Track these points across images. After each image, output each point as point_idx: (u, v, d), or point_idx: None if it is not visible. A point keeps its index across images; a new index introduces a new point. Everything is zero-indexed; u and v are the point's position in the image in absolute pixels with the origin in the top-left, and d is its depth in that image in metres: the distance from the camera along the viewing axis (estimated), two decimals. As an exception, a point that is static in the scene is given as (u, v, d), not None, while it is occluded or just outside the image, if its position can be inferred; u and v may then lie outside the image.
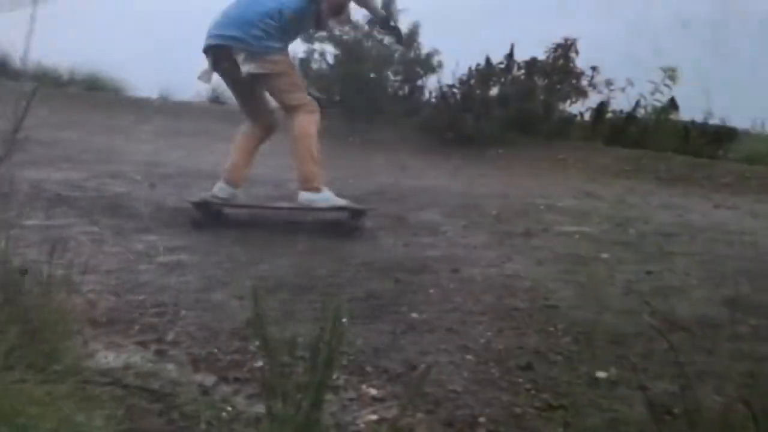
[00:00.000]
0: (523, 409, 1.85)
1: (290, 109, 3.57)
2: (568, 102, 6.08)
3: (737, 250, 3.39)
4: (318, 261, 3.05)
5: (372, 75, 6.46)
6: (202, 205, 3.62)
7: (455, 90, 6.27)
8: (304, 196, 3.54)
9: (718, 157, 5.54)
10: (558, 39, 6.16)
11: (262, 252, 3.16)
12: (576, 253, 3.27)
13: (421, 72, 6.64)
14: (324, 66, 6.75)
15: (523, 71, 6.17)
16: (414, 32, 6.67)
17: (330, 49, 6.70)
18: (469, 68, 6.35)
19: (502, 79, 6.31)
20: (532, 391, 1.96)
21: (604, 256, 3.25)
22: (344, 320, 2.39)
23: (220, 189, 3.65)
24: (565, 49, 6.13)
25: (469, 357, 2.16)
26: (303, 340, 1.73)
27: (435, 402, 1.87)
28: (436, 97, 6.38)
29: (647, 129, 5.90)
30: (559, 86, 6.10)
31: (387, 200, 4.34)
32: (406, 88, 6.85)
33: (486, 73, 6.27)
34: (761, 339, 2.34)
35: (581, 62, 6.10)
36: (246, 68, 3.44)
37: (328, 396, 1.87)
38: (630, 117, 6.06)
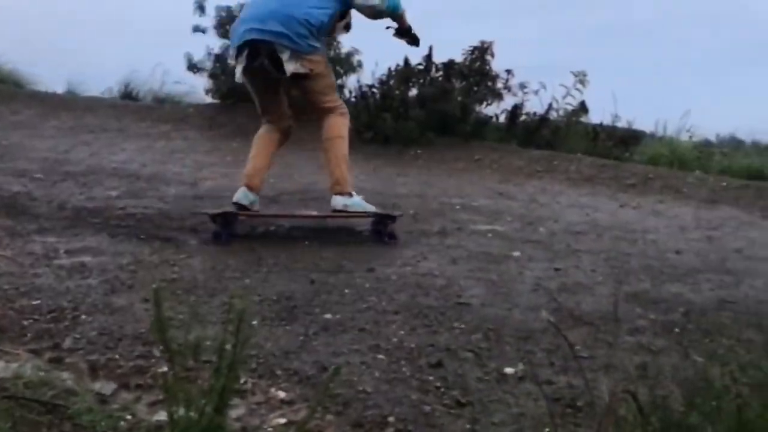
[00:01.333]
0: (432, 407, 1.86)
1: (324, 111, 3.51)
2: (485, 104, 6.21)
3: (640, 247, 3.55)
4: (231, 262, 2.97)
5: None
6: (220, 216, 3.36)
7: (375, 90, 6.29)
8: (339, 201, 3.45)
9: (624, 159, 5.80)
10: (475, 42, 6.30)
11: (174, 253, 3.06)
12: (488, 251, 3.34)
13: (341, 71, 6.62)
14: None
15: (441, 73, 6.26)
16: (334, 31, 6.64)
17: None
18: (389, 68, 6.39)
19: (421, 80, 6.38)
20: (442, 389, 1.97)
21: (516, 254, 3.33)
22: (254, 322, 2.37)
23: (243, 195, 3.46)
24: (482, 52, 6.26)
25: (380, 356, 2.15)
26: (210, 343, 1.67)
27: (344, 403, 1.86)
28: (355, 97, 6.38)
29: (559, 131, 6.11)
30: (475, 88, 6.22)
31: (306, 200, 4.30)
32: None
33: (405, 73, 6.32)
34: (658, 332, 2.45)
35: (497, 65, 6.26)
36: (291, 67, 3.28)
37: (235, 400, 1.83)
38: (543, 119, 6.26)
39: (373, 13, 3.48)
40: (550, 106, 6.36)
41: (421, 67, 6.42)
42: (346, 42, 6.67)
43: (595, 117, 6.51)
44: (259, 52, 3.30)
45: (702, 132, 6.52)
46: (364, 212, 3.49)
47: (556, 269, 3.10)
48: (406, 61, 6.30)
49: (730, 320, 2.57)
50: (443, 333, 2.36)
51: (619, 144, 6.06)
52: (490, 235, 3.66)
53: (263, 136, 3.58)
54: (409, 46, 3.79)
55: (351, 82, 6.65)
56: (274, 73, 3.33)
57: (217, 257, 3.05)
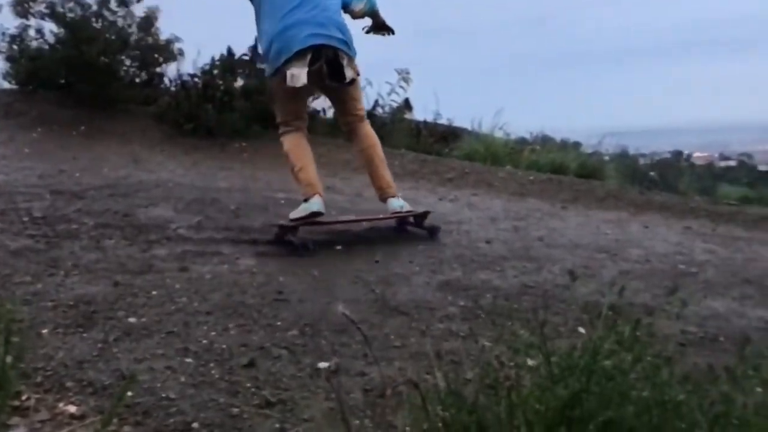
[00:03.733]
0: (240, 409, 1.79)
1: (358, 118, 3.59)
2: (312, 98, 6.18)
3: (454, 237, 3.71)
4: (21, 266, 2.66)
5: (103, 59, 5.90)
6: (286, 228, 3.30)
7: (197, 80, 6.01)
8: (395, 203, 3.54)
9: (444, 155, 6.08)
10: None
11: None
12: (312, 245, 3.31)
13: (160, 59, 6.25)
14: (43, 45, 6.01)
15: (266, 64, 6.13)
16: (152, 17, 6.26)
17: (50, 27, 5.99)
18: (212, 58, 6.15)
19: (247, 71, 6.21)
20: (252, 389, 1.91)
21: (338, 247, 3.34)
22: (44, 331, 2.13)
23: (318, 203, 3.35)
24: (309, 46, 6.22)
25: (188, 360, 2.04)
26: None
27: (144, 412, 1.73)
28: (175, 87, 6.06)
29: (384, 127, 6.25)
30: (303, 82, 6.17)
31: (116, 195, 3.99)
32: (144, 75, 6.41)
33: (229, 64, 6.11)
34: (467, 318, 2.57)
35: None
36: (349, 73, 3.36)
37: (14, 419, 1.63)
38: (369, 115, 6.36)
39: (361, 14, 3.65)
40: (376, 103, 6.50)
41: (246, 57, 6.25)
42: (165, 28, 6.32)
43: (418, 114, 6.77)
44: (319, 58, 3.31)
45: (517, 130, 7.03)
46: (409, 211, 3.61)
47: (376, 261, 3.15)
48: (230, 51, 6.10)
49: (530, 303, 2.76)
50: (258, 331, 2.29)
51: (440, 140, 6.34)
52: (317, 230, 3.63)
53: (302, 145, 3.51)
54: (381, 36, 3.87)
55: (170, 71, 6.32)
56: (328, 79, 3.36)
57: (4, 261, 2.71)
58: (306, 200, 3.38)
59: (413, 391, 1.28)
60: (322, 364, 2.10)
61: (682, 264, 3.44)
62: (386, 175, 3.60)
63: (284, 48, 3.32)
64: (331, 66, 3.35)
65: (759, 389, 1.23)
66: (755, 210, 5.00)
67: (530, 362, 1.28)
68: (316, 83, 3.41)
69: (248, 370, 2.02)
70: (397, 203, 3.57)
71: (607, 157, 8.85)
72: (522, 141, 7.63)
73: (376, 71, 6.64)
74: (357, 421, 1.83)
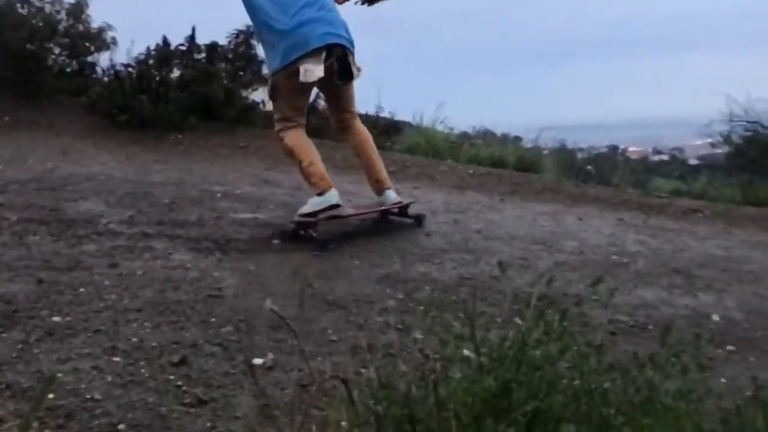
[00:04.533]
0: (169, 409, 1.73)
1: (353, 115, 3.72)
2: (251, 89, 6.08)
3: (395, 231, 3.70)
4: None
5: (29, 46, 5.64)
6: (304, 224, 3.36)
7: (131, 70, 5.82)
8: (392, 195, 3.70)
9: (386, 148, 6.07)
10: (241, 26, 6.13)
11: None
12: (248, 240, 3.25)
13: (91, 48, 6.02)
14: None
15: (204, 55, 5.99)
16: (82, 3, 6.02)
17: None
18: (148, 48, 5.97)
19: (184, 62, 6.06)
20: (183, 388, 1.85)
21: (275, 242, 3.28)
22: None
23: (336, 196, 3.41)
24: (247, 36, 6.11)
25: (116, 359, 1.96)
26: None
27: (67, 414, 1.65)
28: (108, 77, 5.85)
29: (326, 120, 6.19)
30: (241, 73, 6.06)
31: (42, 189, 3.82)
32: (74, 65, 6.16)
33: (165, 54, 5.94)
34: (405, 311, 2.57)
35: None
36: (356, 72, 3.49)
37: None
38: (312, 108, 6.30)
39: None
40: (317, 95, 6.42)
41: (183, 48, 6.09)
42: (96, 16, 6.09)
43: (360, 107, 6.73)
44: (330, 55, 3.39)
45: (460, 124, 7.09)
46: (399, 202, 3.77)
47: (315, 255, 3.12)
48: (165, 41, 5.93)
49: (467, 295, 2.78)
50: (191, 328, 2.23)
51: (381, 134, 6.32)
52: (251, 223, 3.57)
53: (306, 140, 3.56)
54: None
55: (103, 60, 6.10)
56: (337, 77, 3.45)
57: None
58: (321, 194, 3.39)
59: (345, 385, 1.26)
60: (257, 361, 2.06)
61: (615, 255, 3.53)
62: (383, 168, 3.75)
63: (299, 44, 3.35)
64: (340, 64, 3.44)
65: (680, 375, 1.27)
66: (684, 202, 5.19)
67: (466, 353, 1.28)
68: (321, 80, 3.42)
69: (179, 368, 1.96)
70: (393, 195, 3.73)
71: (546, 151, 9.05)
72: (464, 135, 7.70)
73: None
74: (289, 418, 1.80)
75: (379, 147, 6.03)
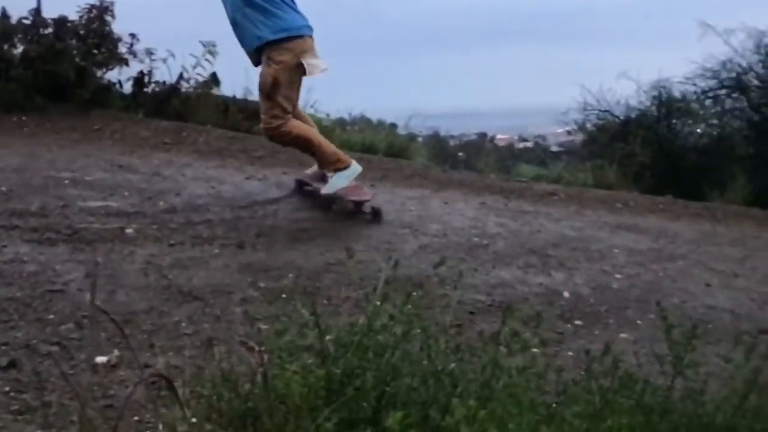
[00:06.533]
0: (-7, 418, 1.56)
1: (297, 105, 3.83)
2: (105, 69, 5.67)
3: (260, 217, 3.60)
4: None
5: None
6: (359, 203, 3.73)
7: (-36, 44, 5.23)
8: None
9: (255, 132, 5.89)
10: (93, 0, 5.67)
11: None
12: (96, 229, 3.02)
13: None
14: None
15: (51, 30, 5.50)
16: None
17: None
18: (-15, 21, 5.38)
19: (28, 37, 5.53)
20: (12, 393, 1.68)
21: (129, 231, 3.08)
22: None
23: (358, 165, 3.72)
24: (101, 12, 5.68)
25: (-70, 366, 1.74)
26: None
27: None
28: (-64, 52, 5.23)
29: (190, 102, 5.92)
30: (95, 51, 5.63)
31: None
32: None
33: (5, 28, 5.39)
34: (268, 301, 2.50)
35: (119, 27, 5.75)
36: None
37: None
38: (173, 89, 5.99)
39: None
40: (180, 76, 6.10)
41: (27, 21, 5.55)
42: None
43: (227, 90, 6.48)
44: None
45: (336, 110, 7.04)
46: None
47: (171, 244, 2.96)
48: (5, 13, 5.38)
49: (332, 282, 2.75)
50: (24, 327, 2.04)
51: (250, 117, 6.12)
52: (102, 212, 3.32)
53: (306, 128, 3.73)
54: None
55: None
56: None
57: None
58: (345, 168, 3.66)
59: (198, 382, 1.18)
60: (100, 359, 1.91)
61: (476, 237, 3.65)
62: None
63: (304, 38, 3.57)
64: None
65: (520, 353, 1.30)
66: (542, 186, 5.47)
67: (309, 341, 1.24)
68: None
69: (8, 372, 1.78)
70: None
71: (420, 138, 9.22)
72: (340, 121, 7.66)
73: (180, 43, 6.26)
74: (136, 417, 1.69)
75: (246, 131, 5.87)
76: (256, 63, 3.68)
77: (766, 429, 1.24)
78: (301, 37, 3.55)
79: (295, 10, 3.60)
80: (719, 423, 1.16)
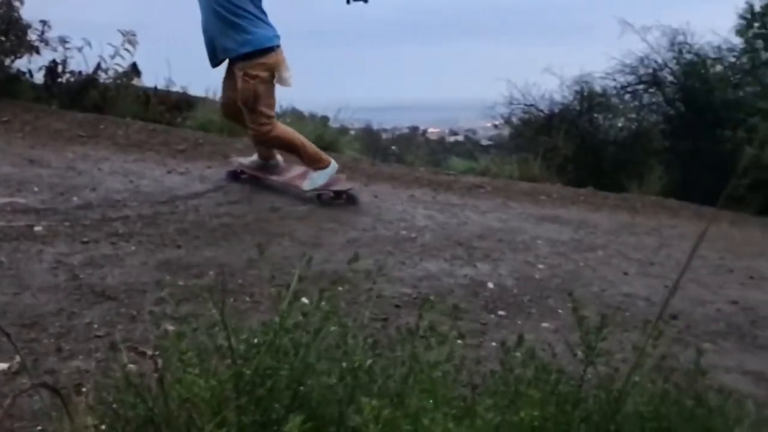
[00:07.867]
0: None
1: None
2: (14, 57, 5.35)
3: (181, 213, 3.48)
4: None
5: None
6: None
7: None
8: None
9: (176, 125, 5.71)
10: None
11: None
12: (4, 227, 2.84)
13: None
14: None
15: (-48, 15, 5.15)
16: None
17: None
18: None
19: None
20: None
21: (38, 228, 2.91)
22: None
23: (335, 164, 4.00)
24: (8, -3, 5.35)
25: None
26: None
27: None
28: None
29: (108, 93, 5.67)
30: (2, 38, 5.30)
31: None
32: None
33: None
34: (188, 298, 2.40)
35: (29, 14, 5.44)
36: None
37: None
38: (90, 80, 5.73)
39: None
40: (98, 66, 5.84)
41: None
42: None
43: (148, 81, 6.25)
44: None
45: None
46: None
47: (84, 242, 2.81)
48: None
49: (255, 278, 2.68)
50: None
51: (172, 109, 5.94)
52: (8, 208, 3.13)
53: (291, 130, 4.01)
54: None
55: None
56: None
57: None
58: (324, 168, 3.93)
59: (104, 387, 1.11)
60: (1, 366, 1.79)
61: (404, 230, 3.64)
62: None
63: (275, 50, 3.75)
64: None
65: (438, 347, 1.29)
66: (470, 179, 5.54)
67: (220, 342, 1.19)
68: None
69: None
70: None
71: (353, 132, 9.17)
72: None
73: (98, 32, 5.99)
74: (39, 427, 1.59)
75: (169, 123, 5.68)
76: (215, 66, 3.87)
77: (674, 413, 1.27)
78: (272, 49, 3.73)
79: (265, 22, 3.76)
80: (629, 410, 1.18)
